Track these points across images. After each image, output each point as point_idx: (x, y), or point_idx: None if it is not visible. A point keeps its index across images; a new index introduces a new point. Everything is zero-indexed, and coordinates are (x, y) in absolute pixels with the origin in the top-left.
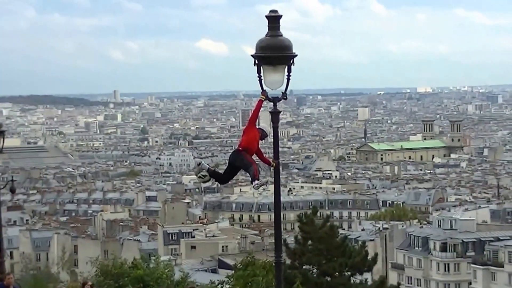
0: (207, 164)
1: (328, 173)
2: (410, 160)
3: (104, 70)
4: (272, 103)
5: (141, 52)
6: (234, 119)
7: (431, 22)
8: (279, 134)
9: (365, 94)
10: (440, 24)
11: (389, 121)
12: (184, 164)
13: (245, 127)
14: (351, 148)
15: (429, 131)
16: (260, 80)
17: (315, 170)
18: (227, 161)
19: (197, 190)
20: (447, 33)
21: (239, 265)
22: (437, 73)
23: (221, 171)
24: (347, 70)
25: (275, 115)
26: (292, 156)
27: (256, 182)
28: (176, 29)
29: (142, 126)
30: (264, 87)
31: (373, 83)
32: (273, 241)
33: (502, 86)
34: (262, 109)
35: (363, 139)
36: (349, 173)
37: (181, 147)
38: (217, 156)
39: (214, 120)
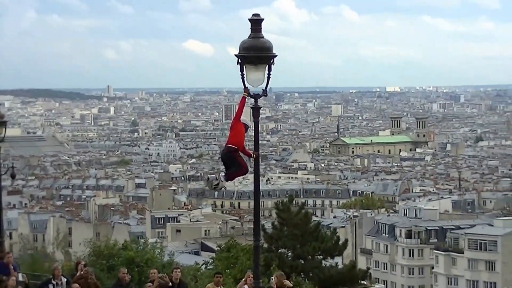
0: (213, 175)
1: (303, 165)
2: (379, 153)
3: (99, 67)
4: (253, 99)
5: (133, 51)
6: (217, 114)
7: (399, 28)
8: (259, 128)
9: (338, 93)
10: (408, 29)
11: (360, 118)
12: (171, 154)
13: (231, 122)
14: (325, 142)
15: (397, 127)
16: (242, 78)
17: (291, 162)
18: (213, 154)
19: (182, 178)
20: (414, 38)
21: (222, 246)
22: (404, 74)
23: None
24: (322, 71)
25: (256, 110)
26: (270, 149)
27: (218, 181)
28: (165, 31)
29: (133, 118)
30: (246, 84)
31: (346, 82)
32: (252, 226)
33: (464, 87)
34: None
35: (336, 134)
36: (322, 165)
37: (168, 138)
38: (201, 147)
39: (199, 114)
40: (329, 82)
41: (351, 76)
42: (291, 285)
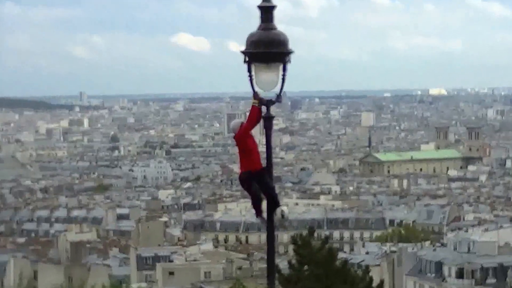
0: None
1: (327, 188)
2: (422, 172)
3: (68, 69)
4: (264, 107)
5: (110, 49)
6: (218, 125)
7: (442, 14)
8: (272, 142)
9: (369, 97)
10: (453, 16)
11: (397, 128)
12: (161, 177)
13: (239, 135)
14: (354, 159)
15: (443, 139)
16: (251, 80)
17: (312, 184)
18: (213, 176)
19: (175, 206)
20: (461, 27)
21: None
22: (452, 73)
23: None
24: (348, 70)
25: (268, 120)
26: (285, 168)
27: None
28: (149, 22)
29: (112, 133)
30: (256, 88)
31: (379, 84)
32: (265, 266)
33: None
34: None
35: (367, 148)
36: (351, 188)
37: (157, 157)
38: (198, 167)
39: (196, 126)
40: (357, 84)
41: (384, 77)
42: None
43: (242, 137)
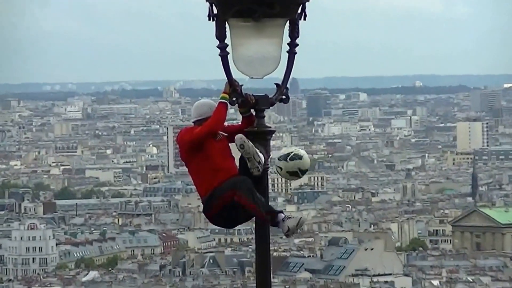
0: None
1: (387, 281)
2: None
3: None
4: (252, 110)
5: None
6: (155, 149)
7: None
8: (270, 185)
9: (473, 90)
10: None
11: None
12: (33, 259)
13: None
14: (441, 220)
15: None
16: (223, 56)
17: (353, 275)
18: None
19: None
20: None
21: None
22: None
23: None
24: (424, 35)
25: (262, 137)
26: (297, 240)
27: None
28: None
29: None
30: (234, 72)
31: (489, 65)
32: None
33: None
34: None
35: (469, 199)
36: (436, 283)
37: (27, 217)
38: (113, 239)
39: (108, 151)
40: (445, 64)
41: (500, 49)
42: None
43: (196, 142)
